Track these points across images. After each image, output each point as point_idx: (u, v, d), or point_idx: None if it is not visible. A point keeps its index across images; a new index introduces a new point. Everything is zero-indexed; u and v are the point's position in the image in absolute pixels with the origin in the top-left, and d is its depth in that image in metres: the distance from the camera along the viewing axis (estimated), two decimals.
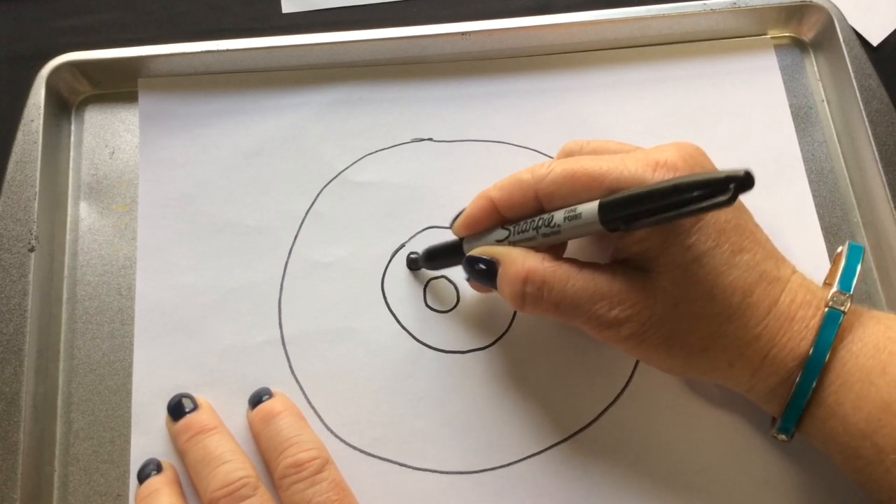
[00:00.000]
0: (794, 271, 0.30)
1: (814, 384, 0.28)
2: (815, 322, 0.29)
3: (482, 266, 0.32)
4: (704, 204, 0.24)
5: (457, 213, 0.34)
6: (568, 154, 0.33)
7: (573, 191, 0.29)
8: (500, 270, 0.31)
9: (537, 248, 0.31)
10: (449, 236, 0.35)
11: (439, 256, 0.36)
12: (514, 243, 0.32)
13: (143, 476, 0.33)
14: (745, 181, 0.23)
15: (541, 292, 0.30)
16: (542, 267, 0.30)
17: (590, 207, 0.28)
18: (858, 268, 0.30)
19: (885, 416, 0.27)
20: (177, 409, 0.34)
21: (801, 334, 0.28)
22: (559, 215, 0.30)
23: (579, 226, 0.29)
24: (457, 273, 0.37)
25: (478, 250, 0.33)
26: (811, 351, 0.28)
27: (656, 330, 0.29)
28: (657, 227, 0.28)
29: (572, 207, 0.29)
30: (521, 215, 0.32)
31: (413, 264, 0.37)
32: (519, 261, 0.30)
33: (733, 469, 0.34)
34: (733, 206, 0.29)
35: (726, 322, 0.28)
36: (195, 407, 0.34)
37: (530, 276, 0.30)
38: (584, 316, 0.29)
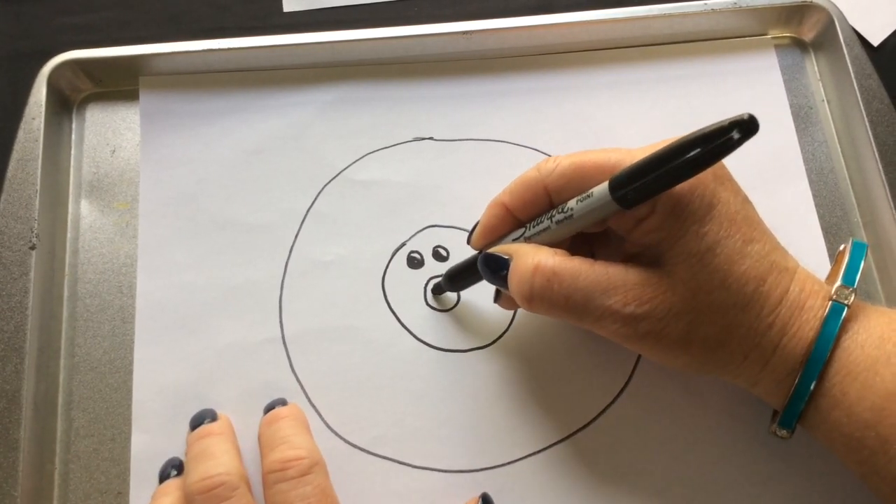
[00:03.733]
0: (799, 264, 0.30)
1: (817, 374, 0.28)
2: (822, 312, 0.28)
3: (495, 264, 0.31)
4: (712, 146, 0.24)
5: (471, 228, 0.34)
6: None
7: (582, 182, 0.29)
8: (511, 266, 0.31)
9: (553, 241, 0.31)
10: (449, 235, 0.35)
11: (461, 275, 0.35)
12: (529, 238, 0.31)
13: (162, 478, 0.33)
14: (748, 124, 0.23)
15: (550, 284, 0.29)
16: (552, 260, 0.29)
17: (600, 187, 0.28)
18: (862, 263, 0.30)
19: (889, 406, 0.27)
20: (197, 421, 0.34)
21: (809, 324, 0.28)
22: (571, 201, 0.29)
23: (592, 206, 0.28)
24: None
25: (492, 249, 0.32)
26: (814, 343, 0.28)
27: (675, 325, 0.28)
28: (672, 216, 0.28)
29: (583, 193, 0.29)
30: (534, 215, 0.31)
31: (438, 290, 0.37)
32: (530, 254, 0.30)
33: (732, 468, 0.34)
34: (741, 199, 0.29)
35: (741, 311, 0.28)
36: (213, 420, 0.34)
37: (540, 267, 0.29)
38: (597, 312, 0.29)
